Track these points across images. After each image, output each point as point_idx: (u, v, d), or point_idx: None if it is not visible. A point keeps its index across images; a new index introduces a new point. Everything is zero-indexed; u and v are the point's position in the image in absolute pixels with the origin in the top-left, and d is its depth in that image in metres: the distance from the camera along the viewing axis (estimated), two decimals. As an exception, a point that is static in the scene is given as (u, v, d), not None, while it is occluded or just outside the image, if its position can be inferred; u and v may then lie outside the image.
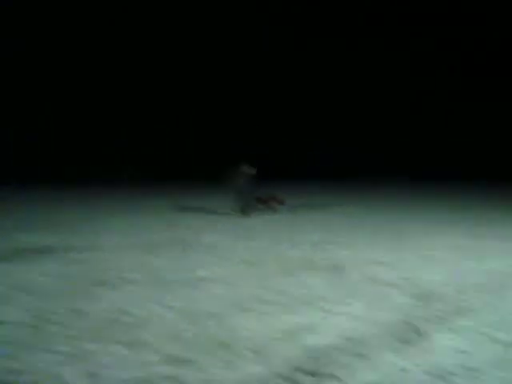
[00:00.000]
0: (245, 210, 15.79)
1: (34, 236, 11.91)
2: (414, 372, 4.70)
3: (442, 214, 16.47)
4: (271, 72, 37.74)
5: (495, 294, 7.21)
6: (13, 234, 12.21)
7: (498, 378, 4.61)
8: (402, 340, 5.47)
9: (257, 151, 32.21)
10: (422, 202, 20.88)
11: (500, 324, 5.98)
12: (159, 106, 35.91)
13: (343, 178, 34.80)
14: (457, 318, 6.16)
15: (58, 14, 30.70)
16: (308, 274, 8.35)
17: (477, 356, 5.06)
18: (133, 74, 33.49)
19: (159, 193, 24.43)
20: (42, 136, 31.64)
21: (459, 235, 12.15)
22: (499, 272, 8.51)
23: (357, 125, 40.38)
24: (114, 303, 6.77)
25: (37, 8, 29.86)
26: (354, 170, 37.03)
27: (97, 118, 33.67)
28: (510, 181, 30.93)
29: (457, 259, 9.51)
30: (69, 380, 4.58)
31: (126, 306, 6.67)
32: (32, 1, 29.90)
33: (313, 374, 4.66)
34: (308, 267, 8.86)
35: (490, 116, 38.01)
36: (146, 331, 5.77)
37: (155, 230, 13.03)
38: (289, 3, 37.70)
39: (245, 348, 5.27)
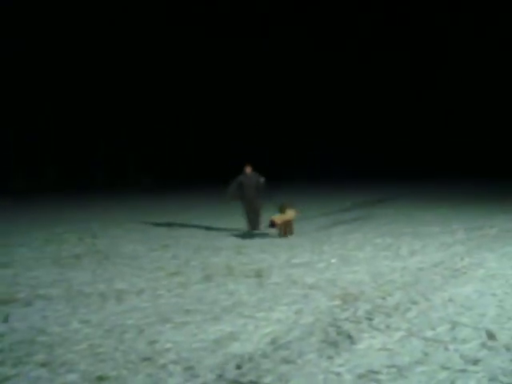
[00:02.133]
0: (253, 222, 13.37)
1: None
2: (341, 374, 4.69)
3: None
4: (271, 72, 37.46)
5: (415, 290, 7.38)
6: None
7: (421, 373, 4.68)
8: (327, 342, 5.47)
9: (257, 151, 32.16)
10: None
11: (422, 320, 6.11)
12: (159, 107, 34.97)
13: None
14: (380, 317, 6.24)
15: (58, 14, 29.45)
16: (229, 280, 8.26)
17: (401, 354, 5.12)
18: (133, 74, 32.38)
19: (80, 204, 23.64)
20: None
21: (377, 233, 12.42)
22: (416, 269, 8.73)
23: (355, 125, 40.55)
24: (28, 322, 6.44)
25: (37, 8, 28.57)
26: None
27: (95, 118, 32.50)
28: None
29: (375, 258, 9.69)
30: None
31: (41, 323, 6.36)
32: (32, 1, 28.67)
33: (241, 383, 4.56)
34: (228, 273, 8.77)
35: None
36: (64, 349, 5.50)
37: (71, 242, 12.56)
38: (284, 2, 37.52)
39: (168, 361, 5.12)
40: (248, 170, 13.49)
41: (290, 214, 12.67)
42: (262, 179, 13.22)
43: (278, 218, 12.35)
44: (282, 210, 12.60)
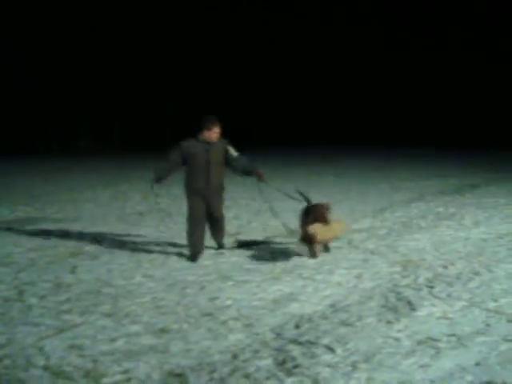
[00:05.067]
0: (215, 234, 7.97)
1: (10, 207, 11.74)
2: (400, 340, 4.68)
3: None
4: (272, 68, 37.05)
5: (477, 261, 7.24)
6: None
7: (482, 343, 4.62)
8: (387, 308, 5.46)
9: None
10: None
11: (484, 291, 6.00)
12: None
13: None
14: (442, 286, 6.17)
15: (58, 13, 29.76)
16: (289, 242, 8.30)
17: (462, 323, 5.06)
18: (134, 73, 32.60)
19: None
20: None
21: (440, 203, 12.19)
22: (479, 239, 8.54)
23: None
24: (94, 274, 6.69)
25: (37, 8, 28.98)
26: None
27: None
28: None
29: (437, 227, 9.53)
30: (51, 352, 4.50)
31: (106, 276, 6.60)
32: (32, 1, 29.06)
33: (300, 342, 4.62)
34: (288, 235, 8.81)
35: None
36: (128, 301, 5.70)
37: (135, 199, 12.88)
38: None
39: (228, 317, 5.23)
40: (212, 133, 7.35)
41: (336, 227, 7.52)
42: (235, 153, 7.57)
43: (320, 230, 7.19)
44: (320, 218, 7.32)
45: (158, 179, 7.54)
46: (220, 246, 7.90)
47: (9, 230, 9.40)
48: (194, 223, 7.43)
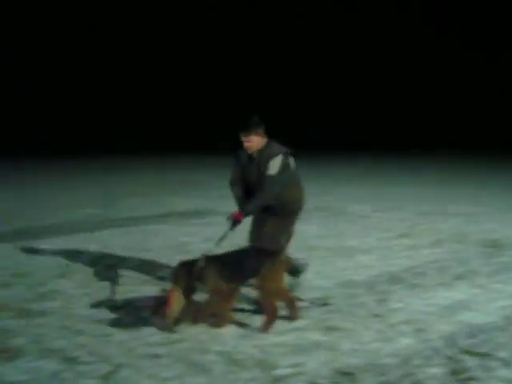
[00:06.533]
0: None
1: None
2: None
3: None
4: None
5: None
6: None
7: None
8: None
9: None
10: None
11: None
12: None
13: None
14: None
15: (58, 13, 30.48)
16: (460, 248, 7.98)
17: None
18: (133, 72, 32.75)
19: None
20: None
21: None
22: None
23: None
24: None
25: (37, 8, 29.82)
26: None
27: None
28: None
29: None
30: (226, 339, 4.70)
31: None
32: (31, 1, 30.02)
33: (474, 353, 4.43)
34: (459, 240, 8.48)
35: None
36: (299, 295, 5.79)
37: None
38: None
39: (398, 320, 5.14)
40: (251, 140, 5.37)
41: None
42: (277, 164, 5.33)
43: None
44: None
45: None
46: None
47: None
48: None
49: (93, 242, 8.25)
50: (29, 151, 24.97)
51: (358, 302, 5.65)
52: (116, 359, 4.30)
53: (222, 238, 5.27)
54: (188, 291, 4.88)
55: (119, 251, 7.66)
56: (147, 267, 6.85)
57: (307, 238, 8.40)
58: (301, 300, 5.50)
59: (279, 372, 4.10)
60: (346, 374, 4.09)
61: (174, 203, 12.02)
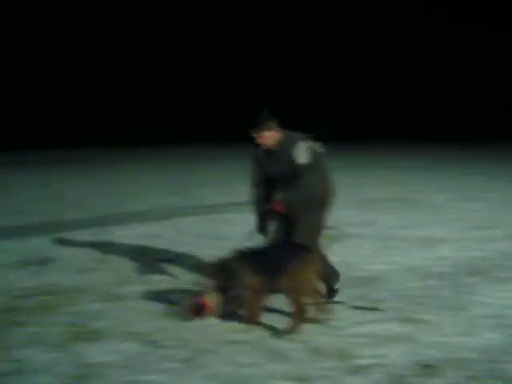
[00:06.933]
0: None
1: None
2: None
3: None
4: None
5: None
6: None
7: None
8: None
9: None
10: None
11: None
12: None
13: None
14: None
15: (58, 13, 30.16)
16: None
17: None
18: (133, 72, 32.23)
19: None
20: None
21: None
22: None
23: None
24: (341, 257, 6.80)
25: (37, 8, 29.61)
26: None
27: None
28: None
29: None
30: (309, 330, 4.69)
31: (355, 260, 6.70)
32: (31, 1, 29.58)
33: None
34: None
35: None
36: (377, 287, 5.75)
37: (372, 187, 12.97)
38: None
39: (481, 314, 4.99)
40: (264, 136, 5.13)
41: None
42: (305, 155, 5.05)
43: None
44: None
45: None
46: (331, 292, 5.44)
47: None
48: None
49: (170, 228, 8.43)
50: (104, 143, 25.88)
51: (436, 294, 5.53)
52: (195, 344, 4.37)
53: (256, 232, 5.29)
54: (223, 288, 4.81)
55: (197, 239, 7.80)
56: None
57: (382, 228, 8.31)
58: (334, 303, 5.25)
59: (359, 362, 4.06)
60: (427, 366, 4.01)
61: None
